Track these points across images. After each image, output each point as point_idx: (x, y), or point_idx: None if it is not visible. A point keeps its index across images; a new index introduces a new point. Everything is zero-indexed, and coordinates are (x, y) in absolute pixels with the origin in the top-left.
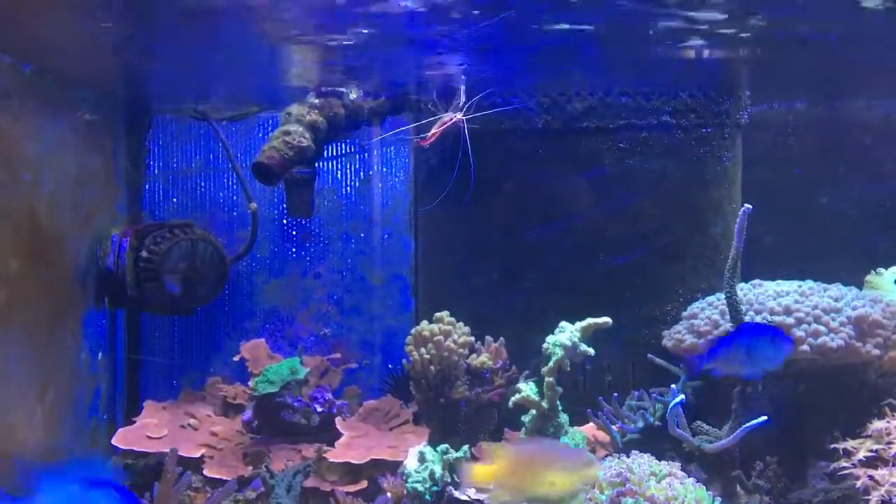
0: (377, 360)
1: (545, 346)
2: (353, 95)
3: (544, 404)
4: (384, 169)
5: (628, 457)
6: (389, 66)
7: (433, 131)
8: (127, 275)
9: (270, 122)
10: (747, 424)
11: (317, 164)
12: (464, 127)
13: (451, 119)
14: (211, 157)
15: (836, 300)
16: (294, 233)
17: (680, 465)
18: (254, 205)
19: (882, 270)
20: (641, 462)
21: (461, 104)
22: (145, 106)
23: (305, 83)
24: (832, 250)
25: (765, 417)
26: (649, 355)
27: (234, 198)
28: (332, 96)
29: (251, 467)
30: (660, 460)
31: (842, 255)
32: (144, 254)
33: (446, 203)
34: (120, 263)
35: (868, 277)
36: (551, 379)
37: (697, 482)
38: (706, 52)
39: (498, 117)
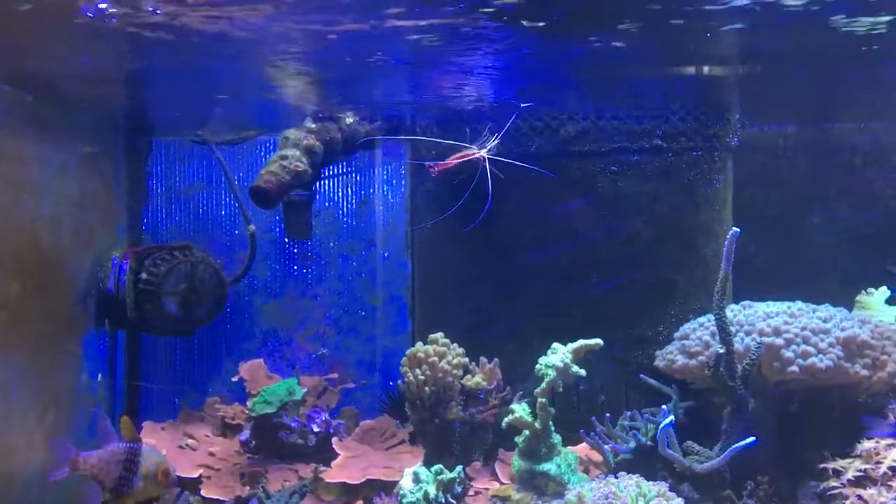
0: (375, 380)
1: (537, 367)
2: (349, 120)
3: (537, 425)
4: (381, 190)
5: (617, 477)
6: (385, 92)
7: (449, 161)
8: (127, 296)
9: (269, 144)
10: (736, 445)
11: (314, 187)
12: (485, 165)
13: (474, 154)
14: (211, 179)
15: (825, 321)
16: (293, 253)
17: (668, 486)
18: (252, 227)
19: (872, 290)
20: (629, 483)
21: (485, 142)
22: (146, 130)
23: (303, 108)
24: (822, 271)
25: (752, 438)
26: (641, 375)
27: (234, 220)
28: (329, 121)
29: (248, 487)
30: (652, 480)
31: (832, 275)
32: (144, 276)
33: (442, 225)
34: (120, 285)
35: (859, 297)
36: (544, 400)
37: (685, 502)
38: (697, 76)
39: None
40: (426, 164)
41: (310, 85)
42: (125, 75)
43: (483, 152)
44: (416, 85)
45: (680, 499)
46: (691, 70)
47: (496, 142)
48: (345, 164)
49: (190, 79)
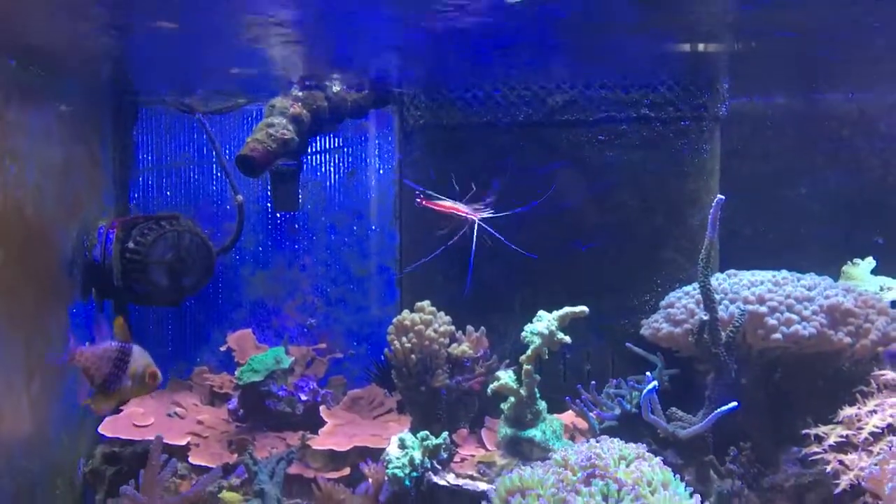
0: (363, 349)
1: (523, 334)
2: (336, 88)
3: (522, 392)
4: (369, 162)
5: (599, 442)
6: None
7: (439, 203)
8: (113, 266)
9: (256, 114)
10: (718, 410)
11: (302, 158)
12: (474, 229)
13: (465, 214)
14: (199, 149)
15: (810, 289)
16: (280, 224)
17: (647, 448)
18: (240, 197)
19: (858, 261)
20: (611, 446)
21: (482, 206)
22: (132, 97)
23: (290, 74)
24: (809, 241)
25: (735, 403)
26: (627, 344)
27: (223, 190)
28: (316, 89)
29: (236, 455)
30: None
31: (818, 245)
32: (131, 245)
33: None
34: (107, 255)
35: (845, 268)
36: (529, 367)
37: (664, 464)
38: (685, 46)
39: (479, 110)
40: (416, 192)
41: (295, 48)
42: (109, 38)
43: (478, 217)
44: (400, 47)
45: (658, 458)
46: (679, 38)
47: (491, 213)
48: (333, 135)
49: (177, 39)
